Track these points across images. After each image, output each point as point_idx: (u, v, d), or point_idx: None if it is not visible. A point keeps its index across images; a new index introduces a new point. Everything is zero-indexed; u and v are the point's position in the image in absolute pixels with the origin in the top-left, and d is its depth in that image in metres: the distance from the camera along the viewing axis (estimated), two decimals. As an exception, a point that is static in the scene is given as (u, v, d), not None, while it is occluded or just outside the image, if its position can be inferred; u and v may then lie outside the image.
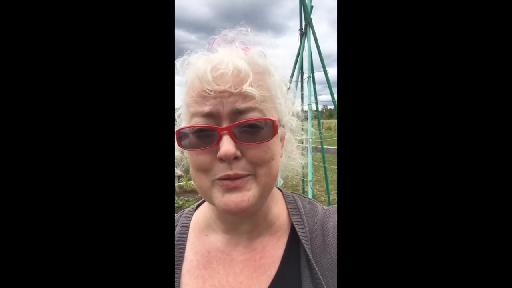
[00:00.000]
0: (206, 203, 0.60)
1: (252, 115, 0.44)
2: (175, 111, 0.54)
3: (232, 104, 0.43)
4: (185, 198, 5.06)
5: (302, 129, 0.59)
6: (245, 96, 0.43)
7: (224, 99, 0.43)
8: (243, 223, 0.53)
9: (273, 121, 0.45)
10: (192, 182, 5.89)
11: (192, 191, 5.51)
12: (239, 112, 0.43)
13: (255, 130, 0.44)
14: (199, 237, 0.57)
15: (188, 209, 0.63)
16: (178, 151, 0.55)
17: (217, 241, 0.55)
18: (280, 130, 0.49)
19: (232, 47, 0.49)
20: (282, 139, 0.53)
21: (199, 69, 0.43)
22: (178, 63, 0.50)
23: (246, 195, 0.44)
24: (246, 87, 0.42)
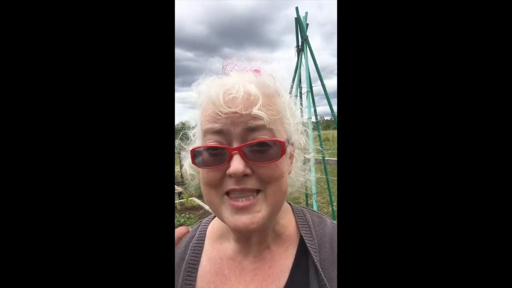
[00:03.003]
0: None
1: (262, 134, 0.46)
2: (190, 129, 0.59)
3: (244, 123, 0.46)
4: (187, 215, 4.99)
5: (309, 148, 0.61)
6: (254, 117, 0.46)
7: (235, 119, 0.46)
8: (253, 235, 0.55)
9: (281, 142, 0.47)
10: (192, 199, 5.84)
11: (193, 208, 5.44)
12: (250, 130, 0.46)
13: (264, 149, 0.46)
14: (214, 244, 0.60)
15: (206, 218, 0.67)
16: (191, 169, 0.58)
17: (230, 249, 0.57)
18: (289, 149, 0.51)
19: (244, 71, 0.52)
20: (291, 157, 0.55)
21: (212, 93, 0.46)
22: (193, 86, 0.54)
23: (256, 217, 0.46)
24: (255, 110, 0.45)
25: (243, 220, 0.45)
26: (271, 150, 0.46)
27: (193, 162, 0.49)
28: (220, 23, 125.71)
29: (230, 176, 0.46)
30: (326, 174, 4.28)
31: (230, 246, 0.57)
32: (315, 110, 3.75)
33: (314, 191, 3.07)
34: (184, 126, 0.61)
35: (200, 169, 0.50)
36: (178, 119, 0.57)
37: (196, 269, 0.56)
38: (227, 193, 0.47)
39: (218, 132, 0.46)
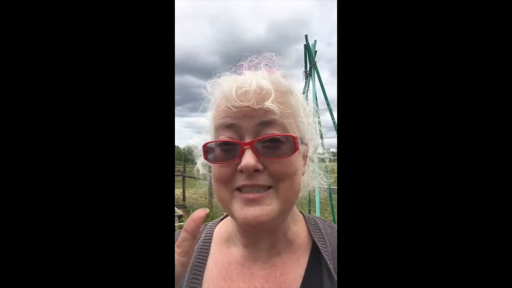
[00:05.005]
0: (228, 217, 0.60)
1: (275, 130, 0.46)
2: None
3: (257, 118, 0.46)
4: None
5: (323, 145, 0.61)
6: (267, 111, 0.45)
7: (247, 113, 0.46)
8: (262, 239, 0.53)
9: (294, 137, 0.46)
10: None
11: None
12: (263, 125, 0.46)
13: (277, 145, 0.46)
14: (220, 248, 0.57)
15: (212, 221, 0.65)
16: (203, 168, 0.58)
17: (238, 254, 0.55)
18: (302, 148, 0.51)
19: (258, 70, 0.53)
20: (305, 156, 0.54)
21: (225, 88, 0.47)
22: (208, 84, 0.54)
23: (265, 210, 0.45)
24: (267, 103, 0.45)
25: (253, 212, 0.44)
26: (283, 146, 0.45)
27: (205, 157, 0.49)
28: (232, 54, 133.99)
29: (241, 171, 0.45)
30: (331, 200, 4.19)
31: (238, 251, 0.55)
32: (321, 137, 3.76)
33: (318, 214, 2.99)
34: (190, 149, 0.60)
35: (212, 166, 0.50)
36: (185, 143, 0.58)
37: (202, 272, 0.54)
38: (239, 189, 0.47)
39: (230, 126, 0.46)
